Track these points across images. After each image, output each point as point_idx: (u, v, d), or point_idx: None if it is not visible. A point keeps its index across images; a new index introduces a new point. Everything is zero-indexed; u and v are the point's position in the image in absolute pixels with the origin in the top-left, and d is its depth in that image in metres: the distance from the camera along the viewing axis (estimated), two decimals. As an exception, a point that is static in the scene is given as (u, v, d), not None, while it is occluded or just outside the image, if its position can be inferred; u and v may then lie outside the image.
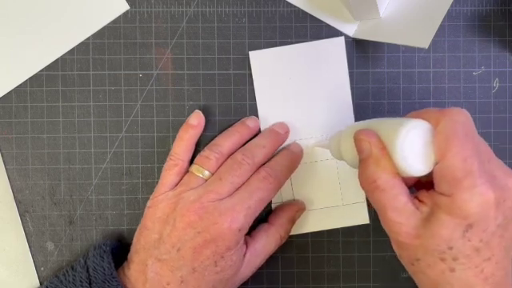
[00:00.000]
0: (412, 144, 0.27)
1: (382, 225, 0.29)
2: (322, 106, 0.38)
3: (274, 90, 0.38)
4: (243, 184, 0.34)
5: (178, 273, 0.33)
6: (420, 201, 0.28)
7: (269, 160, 0.36)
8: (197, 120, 0.36)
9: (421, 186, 0.30)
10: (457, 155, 0.26)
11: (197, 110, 0.37)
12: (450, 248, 0.26)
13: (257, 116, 0.38)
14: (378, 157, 0.28)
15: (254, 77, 0.38)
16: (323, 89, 0.38)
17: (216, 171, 0.35)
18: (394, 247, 0.30)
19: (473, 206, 0.25)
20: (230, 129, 0.37)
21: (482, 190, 0.25)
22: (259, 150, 0.35)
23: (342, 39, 0.38)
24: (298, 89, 0.38)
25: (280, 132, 0.37)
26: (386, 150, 0.28)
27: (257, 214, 0.34)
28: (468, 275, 0.27)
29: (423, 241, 0.27)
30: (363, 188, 0.29)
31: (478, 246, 0.26)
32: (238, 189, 0.34)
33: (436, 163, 0.27)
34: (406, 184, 0.30)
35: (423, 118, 0.28)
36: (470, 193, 0.25)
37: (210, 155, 0.35)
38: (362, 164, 0.29)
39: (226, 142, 0.36)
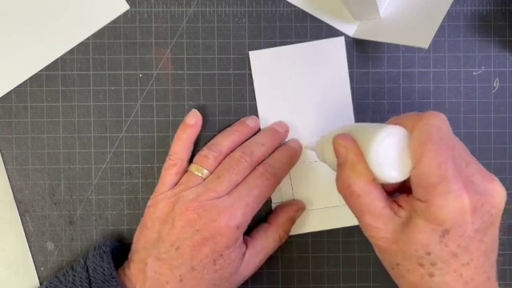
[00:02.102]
0: (387, 151, 0.27)
1: (362, 230, 0.29)
2: (322, 106, 0.38)
3: (274, 90, 0.38)
4: (242, 181, 0.34)
5: (177, 271, 0.33)
6: (399, 205, 0.28)
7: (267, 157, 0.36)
8: (194, 119, 0.36)
9: (405, 190, 0.30)
10: (431, 160, 0.25)
11: (194, 110, 0.37)
12: (428, 253, 0.26)
13: (257, 116, 0.38)
14: (354, 162, 0.28)
15: (253, 77, 0.38)
16: (323, 89, 0.38)
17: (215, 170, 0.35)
18: (376, 251, 0.30)
19: (448, 212, 0.25)
20: (229, 128, 0.37)
21: (456, 196, 0.25)
22: (258, 147, 0.35)
23: (342, 39, 0.38)
24: (297, 89, 0.38)
25: (279, 130, 0.37)
26: (362, 156, 0.28)
27: (255, 211, 0.34)
28: (447, 280, 0.27)
29: (401, 246, 0.27)
30: (340, 193, 0.29)
31: (456, 251, 0.26)
32: (236, 186, 0.34)
33: (413, 169, 0.27)
34: (389, 189, 0.30)
35: (401, 124, 0.28)
36: (445, 198, 0.25)
37: (208, 154, 0.35)
38: (339, 168, 0.29)
39: (225, 141, 0.36)
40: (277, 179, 0.35)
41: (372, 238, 0.29)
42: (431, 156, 0.25)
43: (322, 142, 0.33)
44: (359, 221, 0.29)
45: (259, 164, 0.35)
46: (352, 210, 0.29)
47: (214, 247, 0.32)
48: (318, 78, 0.38)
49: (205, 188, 0.34)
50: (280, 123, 0.38)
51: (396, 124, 0.28)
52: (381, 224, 0.28)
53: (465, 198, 0.25)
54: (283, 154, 0.36)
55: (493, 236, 0.28)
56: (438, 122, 0.27)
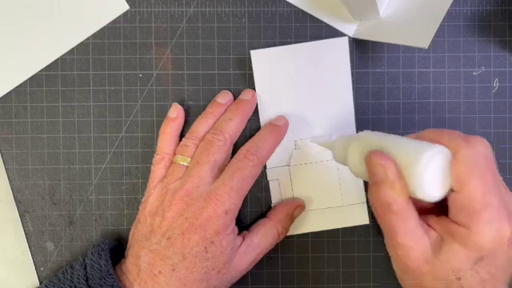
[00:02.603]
0: (432, 171, 0.27)
1: (388, 248, 0.29)
2: (323, 107, 0.38)
3: (275, 89, 0.38)
4: (227, 166, 0.35)
5: (169, 261, 0.33)
6: (429, 225, 0.28)
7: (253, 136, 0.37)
8: (176, 112, 0.37)
9: (423, 210, 0.30)
10: (477, 187, 0.26)
11: (175, 103, 0.38)
12: (458, 278, 0.27)
13: (257, 115, 0.38)
14: (394, 181, 0.27)
15: (255, 75, 0.38)
16: (325, 89, 0.38)
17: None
18: (397, 270, 0.30)
19: (489, 240, 0.26)
20: (203, 112, 0.37)
21: (499, 225, 0.26)
22: (226, 123, 0.36)
23: (345, 39, 0.38)
24: (299, 89, 0.38)
25: (246, 98, 0.37)
26: (400, 174, 0.28)
27: (244, 194, 0.34)
28: None
29: (432, 268, 0.27)
30: (375, 210, 0.29)
31: (485, 277, 0.27)
32: (222, 171, 0.35)
33: (451, 190, 0.27)
34: (416, 207, 0.29)
35: (443, 142, 0.27)
36: (488, 227, 0.25)
37: (187, 142, 0.36)
38: (375, 187, 0.28)
39: (201, 126, 0.36)
40: (261, 158, 0.35)
41: (402, 257, 0.28)
42: (477, 183, 0.26)
43: (345, 145, 0.32)
44: (390, 239, 0.28)
45: (243, 145, 0.36)
46: (384, 228, 0.29)
47: (204, 234, 0.33)
48: (319, 78, 0.38)
49: (188, 175, 0.34)
50: (246, 91, 0.38)
51: (436, 141, 0.28)
52: (413, 243, 0.27)
53: (506, 227, 0.26)
54: (267, 131, 0.36)
55: None
56: (484, 150, 0.27)
